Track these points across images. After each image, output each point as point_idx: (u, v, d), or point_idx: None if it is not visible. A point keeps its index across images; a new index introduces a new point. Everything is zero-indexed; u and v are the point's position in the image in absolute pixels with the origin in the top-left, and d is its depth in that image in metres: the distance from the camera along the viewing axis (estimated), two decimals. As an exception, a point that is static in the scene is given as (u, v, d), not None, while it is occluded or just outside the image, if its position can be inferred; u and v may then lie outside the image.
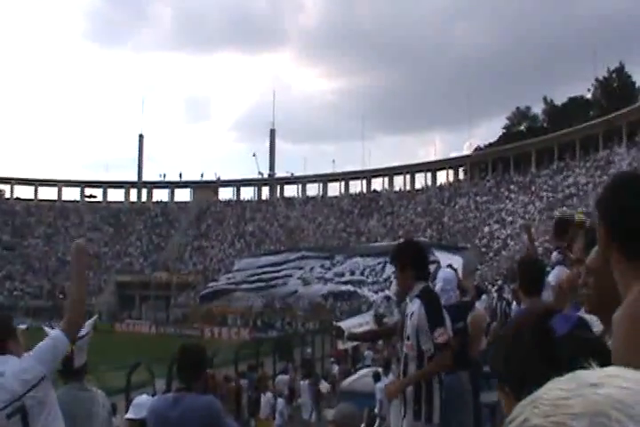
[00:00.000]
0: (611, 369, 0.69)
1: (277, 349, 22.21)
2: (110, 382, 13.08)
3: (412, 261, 4.28)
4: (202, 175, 77.68)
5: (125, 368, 14.01)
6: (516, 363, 1.21)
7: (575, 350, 1.17)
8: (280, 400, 14.96)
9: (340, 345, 16.04)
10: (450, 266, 7.13)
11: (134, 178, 79.23)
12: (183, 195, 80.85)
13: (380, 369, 11.72)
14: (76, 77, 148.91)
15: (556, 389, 0.67)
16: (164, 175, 78.24)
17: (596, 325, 2.12)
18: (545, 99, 69.12)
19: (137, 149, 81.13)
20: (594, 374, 0.68)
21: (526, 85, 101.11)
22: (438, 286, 6.16)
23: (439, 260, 9.52)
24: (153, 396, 5.10)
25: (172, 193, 77.78)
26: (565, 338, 1.21)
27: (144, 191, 78.13)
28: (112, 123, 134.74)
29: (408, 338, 4.25)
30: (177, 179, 77.98)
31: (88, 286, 60.82)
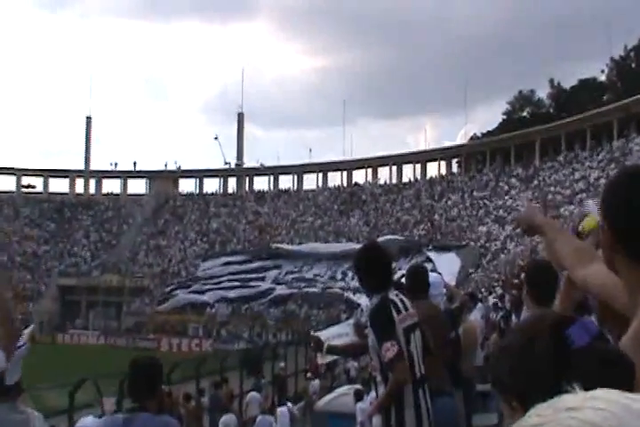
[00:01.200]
0: (598, 392, 0.72)
1: (245, 363, 22.19)
2: (50, 403, 12.96)
3: (369, 269, 4.32)
4: (165, 165, 77.33)
5: (68, 386, 13.89)
6: (526, 376, 1.20)
7: (595, 364, 1.17)
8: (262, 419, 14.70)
9: (319, 359, 16.02)
10: (435, 270, 7.19)
11: (81, 166, 78.52)
12: (138, 186, 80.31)
13: (361, 386, 11.74)
14: (12, 48, 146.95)
15: (534, 415, 0.71)
16: (116, 164, 77.73)
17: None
18: (551, 81, 69.71)
19: (84, 133, 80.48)
20: (577, 397, 0.71)
21: (530, 66, 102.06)
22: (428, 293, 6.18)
23: (433, 260, 9.56)
24: (100, 417, 5.05)
25: (125, 184, 77.27)
26: (584, 350, 1.21)
27: (92, 182, 77.47)
28: (55, 102, 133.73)
29: (372, 359, 4.33)
30: (131, 168, 77.50)
31: (25, 291, 60.23)
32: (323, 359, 16.24)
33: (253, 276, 51.59)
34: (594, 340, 1.24)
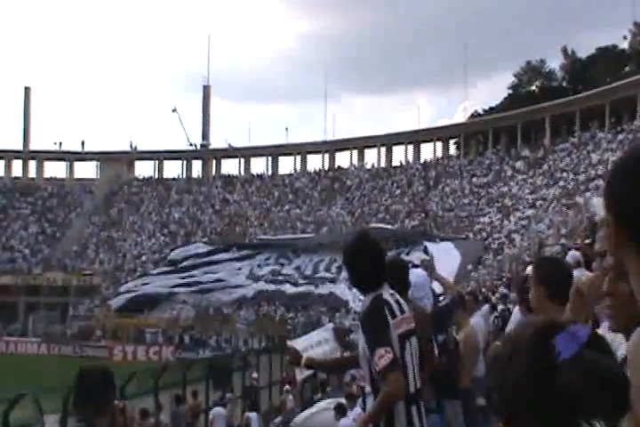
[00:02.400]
0: None
1: (212, 373, 22.22)
2: (-22, 424, 12.85)
3: (361, 264, 4.30)
4: (118, 145, 76.96)
5: (3, 402, 13.79)
6: (508, 393, 1.20)
7: (580, 380, 1.15)
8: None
9: (298, 374, 16.11)
10: (418, 266, 7.19)
11: (18, 146, 78.03)
12: (86, 170, 79.96)
13: (343, 400, 11.82)
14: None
15: None
16: (60, 143, 77.21)
17: (622, 347, 2.09)
18: (564, 49, 70.00)
19: (22, 108, 79.81)
20: None
21: (540, 32, 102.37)
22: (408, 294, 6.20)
23: (432, 253, 9.60)
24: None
25: (72, 167, 76.86)
26: (570, 362, 1.18)
27: (32, 164, 77.00)
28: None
29: (363, 368, 4.32)
30: (78, 148, 77.03)
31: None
32: (301, 374, 16.28)
33: (224, 272, 51.46)
34: (584, 349, 1.21)
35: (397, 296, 4.37)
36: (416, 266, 7.22)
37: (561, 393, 1.12)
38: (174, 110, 77.76)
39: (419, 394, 4.31)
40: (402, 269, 5.43)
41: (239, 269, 51.85)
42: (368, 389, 4.32)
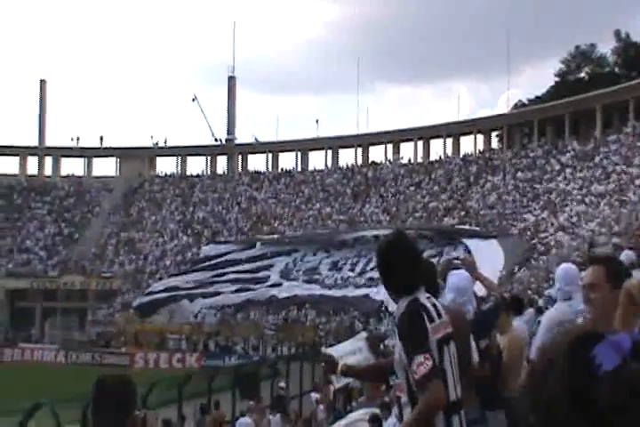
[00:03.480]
0: None
1: (238, 382, 22.33)
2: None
3: (397, 266, 4.30)
4: (138, 141, 77.42)
5: (20, 413, 13.94)
6: (542, 409, 1.19)
7: (623, 393, 1.14)
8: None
9: (335, 383, 16.11)
10: (458, 267, 7.11)
11: (34, 142, 78.71)
12: (105, 167, 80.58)
13: (377, 410, 11.81)
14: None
15: None
16: (78, 139, 77.87)
17: None
18: (617, 33, 69.29)
19: (37, 102, 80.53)
20: None
21: (590, 14, 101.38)
22: (449, 298, 6.15)
23: (473, 251, 9.56)
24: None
25: (90, 164, 77.46)
26: (612, 375, 1.16)
27: (48, 160, 77.71)
28: (1, 63, 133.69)
29: (398, 377, 4.32)
30: (97, 144, 77.62)
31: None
32: (338, 384, 16.28)
33: (256, 266, 50.87)
34: (627, 361, 1.18)
35: (434, 300, 4.37)
36: (457, 267, 7.15)
37: (602, 408, 1.10)
38: (194, 99, 78.09)
39: (460, 403, 4.29)
40: (429, 271, 5.41)
41: (272, 266, 51.55)
42: (404, 399, 4.28)
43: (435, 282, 5.34)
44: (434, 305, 4.31)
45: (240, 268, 51.06)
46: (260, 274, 50.39)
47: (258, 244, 53.13)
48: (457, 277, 6.42)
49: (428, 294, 4.37)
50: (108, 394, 3.91)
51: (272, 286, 50.32)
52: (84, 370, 32.44)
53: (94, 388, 3.93)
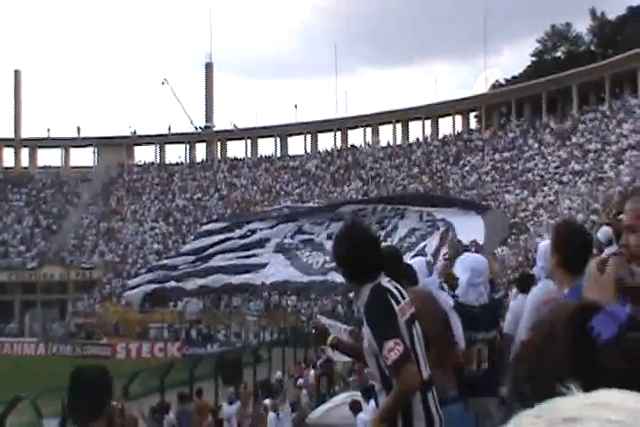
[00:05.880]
0: (602, 395, 0.69)
1: (221, 369, 22.38)
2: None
3: (355, 254, 4.30)
4: (116, 130, 77.04)
5: (0, 406, 13.95)
6: (543, 382, 1.20)
7: (625, 360, 1.17)
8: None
9: (330, 353, 16.17)
10: (468, 249, 7.10)
11: (9, 134, 78.27)
12: (83, 157, 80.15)
13: (358, 395, 11.92)
14: None
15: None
16: (49, 130, 77.42)
17: None
18: (593, 11, 69.35)
19: (12, 93, 79.98)
20: (575, 402, 0.68)
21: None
22: (464, 279, 6.18)
23: (452, 223, 9.56)
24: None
25: (67, 154, 77.10)
26: (611, 343, 1.21)
27: (24, 152, 77.29)
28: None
29: (368, 365, 4.34)
30: (74, 134, 77.18)
31: None
32: (332, 355, 16.38)
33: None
34: (624, 330, 1.23)
35: (394, 282, 4.42)
36: (469, 250, 7.15)
37: (603, 376, 1.13)
38: (164, 82, 77.60)
39: (431, 379, 4.36)
40: (394, 258, 5.43)
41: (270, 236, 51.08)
42: (378, 386, 4.31)
43: (397, 267, 5.36)
44: (396, 288, 4.36)
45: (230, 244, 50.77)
46: (251, 252, 50.13)
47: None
48: (473, 258, 6.44)
49: (388, 278, 4.40)
50: (84, 384, 3.93)
51: (256, 266, 50.11)
52: (66, 362, 32.35)
53: (70, 379, 3.96)
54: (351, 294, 49.96)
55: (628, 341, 1.20)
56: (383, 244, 9.94)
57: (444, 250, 10.11)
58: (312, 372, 23.45)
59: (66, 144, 76.89)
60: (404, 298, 4.33)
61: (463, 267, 6.25)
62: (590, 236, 4.61)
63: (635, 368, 1.15)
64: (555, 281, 4.52)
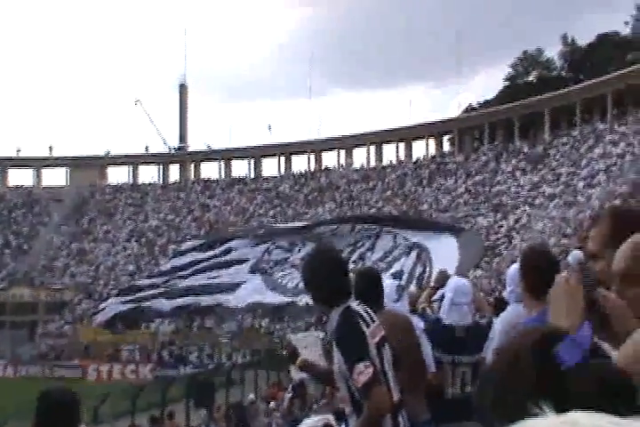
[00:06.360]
0: (575, 416, 0.71)
1: (193, 391, 22.19)
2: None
3: (324, 278, 4.32)
4: (89, 150, 76.76)
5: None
6: (507, 406, 1.21)
7: (587, 387, 1.18)
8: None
9: (294, 374, 16.03)
10: (399, 275, 7.13)
11: (-21, 152, 77.62)
12: (55, 177, 79.48)
13: (331, 418, 11.78)
14: None
15: None
16: (19, 150, 76.96)
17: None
18: (564, 37, 70.29)
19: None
20: (546, 423, 0.71)
21: (538, 19, 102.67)
22: (447, 298, 6.17)
23: (427, 247, 9.53)
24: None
25: (39, 174, 76.60)
26: (575, 370, 1.22)
27: (-4, 172, 76.72)
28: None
29: (339, 389, 4.34)
30: (46, 154, 76.77)
31: None
32: (296, 375, 16.23)
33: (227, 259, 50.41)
34: (587, 357, 1.24)
35: (364, 305, 4.43)
36: (396, 276, 7.15)
37: (567, 401, 1.13)
38: (137, 102, 77.57)
39: (401, 402, 4.36)
40: (373, 280, 5.44)
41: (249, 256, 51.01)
42: (348, 409, 4.29)
43: (380, 292, 5.37)
44: (365, 311, 4.37)
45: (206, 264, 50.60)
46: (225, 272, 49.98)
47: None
48: (458, 280, 6.47)
49: (357, 301, 4.43)
50: (51, 407, 3.86)
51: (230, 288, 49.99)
52: (35, 384, 31.98)
53: (38, 401, 3.88)
54: (324, 317, 49.87)
55: (591, 369, 1.22)
56: (362, 265, 9.89)
57: (419, 269, 10.09)
58: (285, 394, 23.30)
59: (38, 164, 76.41)
60: (373, 321, 4.36)
61: (448, 287, 6.27)
62: (556, 260, 4.71)
63: (595, 395, 1.17)
64: (524, 305, 4.61)
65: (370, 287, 5.19)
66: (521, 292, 6.15)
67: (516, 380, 1.23)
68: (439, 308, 6.58)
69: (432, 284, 8.26)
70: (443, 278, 7.41)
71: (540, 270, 4.20)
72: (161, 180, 75.64)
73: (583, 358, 1.23)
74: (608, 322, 2.43)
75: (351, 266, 8.64)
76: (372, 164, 68.80)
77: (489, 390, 1.27)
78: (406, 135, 68.37)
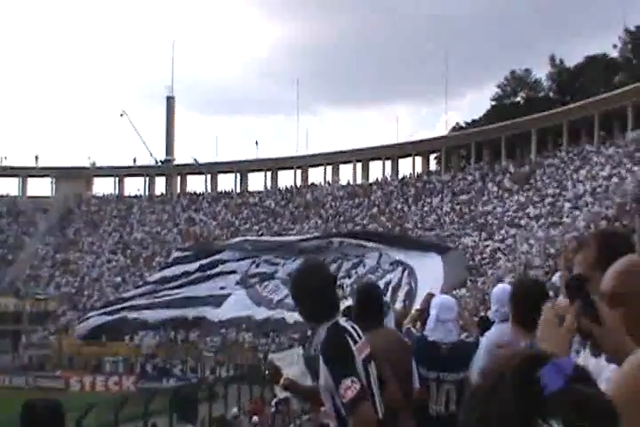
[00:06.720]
0: None
1: (176, 404, 22.08)
2: None
3: (311, 294, 4.32)
4: (75, 161, 76.64)
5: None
6: (492, 424, 1.24)
7: (569, 413, 1.20)
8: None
9: (278, 392, 16.00)
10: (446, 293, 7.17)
11: (-35, 162, 77.46)
12: (41, 187, 79.41)
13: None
14: None
15: None
16: (8, 158, 76.86)
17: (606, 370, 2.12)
18: (552, 58, 70.75)
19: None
20: None
21: (525, 40, 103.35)
22: (432, 315, 6.19)
23: (411, 265, 9.56)
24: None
25: (24, 184, 76.38)
26: (558, 395, 1.23)
27: (-19, 181, 76.50)
28: None
29: (324, 404, 4.32)
30: (32, 164, 76.59)
31: None
32: (281, 394, 16.22)
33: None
34: (570, 382, 1.25)
35: (351, 322, 4.45)
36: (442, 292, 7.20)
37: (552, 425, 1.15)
38: (122, 114, 77.57)
39: (389, 419, 4.35)
40: (374, 296, 5.48)
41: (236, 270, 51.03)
42: (333, 425, 4.27)
43: (381, 307, 5.41)
44: (353, 327, 4.36)
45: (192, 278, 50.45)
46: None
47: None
48: (444, 298, 6.49)
49: (345, 318, 4.43)
50: (35, 419, 3.84)
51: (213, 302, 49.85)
52: (19, 395, 31.74)
53: (22, 412, 3.87)
54: (309, 332, 49.87)
55: (573, 394, 1.23)
56: (360, 281, 9.88)
57: (406, 287, 10.09)
58: (268, 409, 23.26)
59: (23, 174, 76.25)
60: (360, 338, 4.35)
61: (433, 305, 6.29)
62: (546, 292, 4.75)
63: (577, 421, 1.19)
64: (512, 333, 4.64)
65: (371, 303, 5.22)
66: (506, 311, 6.20)
67: (499, 401, 1.24)
68: (423, 325, 6.62)
69: (418, 306, 8.28)
70: (430, 301, 7.46)
71: (529, 302, 4.21)
72: (147, 192, 75.53)
73: (565, 383, 1.24)
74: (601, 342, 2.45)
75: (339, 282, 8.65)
76: (359, 181, 68.94)
77: (474, 409, 1.28)
78: (393, 153, 68.56)
